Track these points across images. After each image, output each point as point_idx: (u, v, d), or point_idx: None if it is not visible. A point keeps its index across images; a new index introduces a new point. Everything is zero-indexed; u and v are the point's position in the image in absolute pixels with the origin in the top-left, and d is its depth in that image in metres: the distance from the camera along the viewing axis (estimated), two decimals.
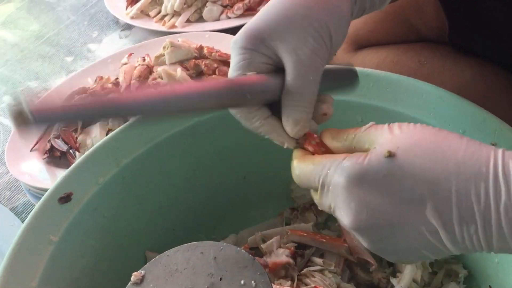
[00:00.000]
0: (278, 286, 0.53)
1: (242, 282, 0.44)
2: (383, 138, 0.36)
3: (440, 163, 0.34)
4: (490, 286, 0.54)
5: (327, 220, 0.66)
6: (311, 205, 0.66)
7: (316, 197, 0.39)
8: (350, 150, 0.38)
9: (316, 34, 0.40)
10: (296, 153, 0.41)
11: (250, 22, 0.42)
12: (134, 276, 0.47)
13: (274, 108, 0.43)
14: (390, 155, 0.35)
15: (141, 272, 0.47)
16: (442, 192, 0.33)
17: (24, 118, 0.36)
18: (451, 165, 0.33)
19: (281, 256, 0.55)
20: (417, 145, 0.35)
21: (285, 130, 0.42)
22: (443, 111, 0.54)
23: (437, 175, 0.33)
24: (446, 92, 0.55)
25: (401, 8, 0.68)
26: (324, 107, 0.43)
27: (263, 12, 0.42)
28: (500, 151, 0.34)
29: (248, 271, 0.45)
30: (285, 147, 0.43)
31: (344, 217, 0.36)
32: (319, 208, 0.39)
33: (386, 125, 0.38)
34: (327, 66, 0.43)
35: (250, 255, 0.47)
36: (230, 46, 0.43)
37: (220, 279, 0.45)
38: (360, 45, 0.71)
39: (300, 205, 0.67)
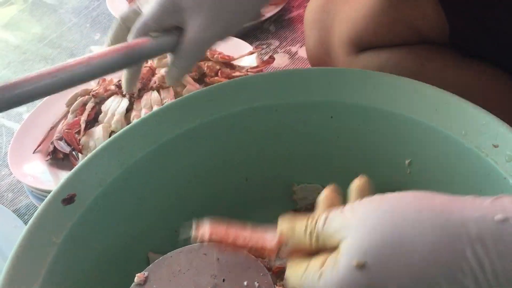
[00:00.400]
0: None
1: (245, 283, 0.44)
2: (345, 242, 0.35)
3: (414, 256, 0.32)
4: None
5: None
6: (313, 207, 0.66)
7: None
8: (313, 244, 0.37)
9: (220, 19, 0.52)
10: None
11: None
12: (138, 277, 0.47)
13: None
14: (361, 266, 0.33)
15: (144, 273, 0.47)
16: (429, 280, 0.32)
17: None
18: (425, 254, 0.32)
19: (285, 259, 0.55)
20: (383, 245, 0.33)
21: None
22: (444, 113, 0.54)
23: (416, 269, 0.32)
24: (448, 93, 0.55)
25: (402, 10, 0.68)
26: None
27: None
28: (468, 219, 0.32)
29: (251, 272, 0.45)
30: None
31: None
32: None
33: (340, 218, 0.36)
34: None
35: (253, 257, 0.47)
36: (232, 49, 0.50)
37: (223, 280, 0.45)
38: (362, 47, 0.71)
39: (302, 207, 0.67)
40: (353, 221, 0.35)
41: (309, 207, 0.66)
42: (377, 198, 0.36)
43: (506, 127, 0.51)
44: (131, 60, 0.53)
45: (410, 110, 0.57)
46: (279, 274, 0.55)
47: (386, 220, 0.34)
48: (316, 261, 0.37)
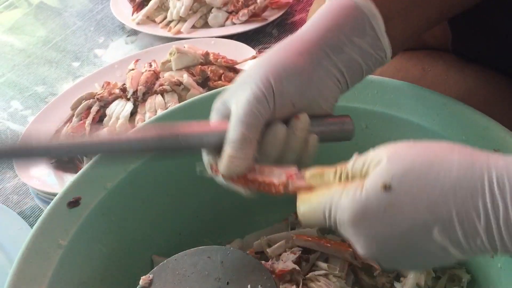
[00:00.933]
0: None
1: (248, 286, 0.45)
2: (375, 168, 0.36)
3: (436, 186, 0.34)
4: None
5: None
6: None
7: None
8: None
9: (259, 91, 0.44)
10: (298, 196, 0.42)
11: None
12: (143, 280, 0.48)
13: None
14: (386, 187, 0.35)
15: (149, 276, 0.48)
16: (443, 214, 0.34)
17: None
18: (447, 187, 0.34)
19: (288, 263, 0.56)
20: (410, 171, 0.35)
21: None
22: (446, 118, 0.55)
23: (435, 199, 0.34)
24: (450, 99, 0.56)
25: None
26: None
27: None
28: (492, 165, 0.34)
29: (254, 275, 0.46)
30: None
31: (357, 248, 0.37)
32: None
33: (372, 153, 0.38)
34: (324, 115, 0.47)
35: (257, 260, 0.48)
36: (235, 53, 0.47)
37: (227, 283, 0.46)
38: None
39: None
40: (384, 154, 0.37)
41: None
42: (411, 140, 0.38)
43: (507, 132, 0.51)
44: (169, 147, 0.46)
45: (411, 114, 0.57)
46: (282, 277, 0.56)
47: (419, 152, 0.36)
48: (338, 186, 0.38)
